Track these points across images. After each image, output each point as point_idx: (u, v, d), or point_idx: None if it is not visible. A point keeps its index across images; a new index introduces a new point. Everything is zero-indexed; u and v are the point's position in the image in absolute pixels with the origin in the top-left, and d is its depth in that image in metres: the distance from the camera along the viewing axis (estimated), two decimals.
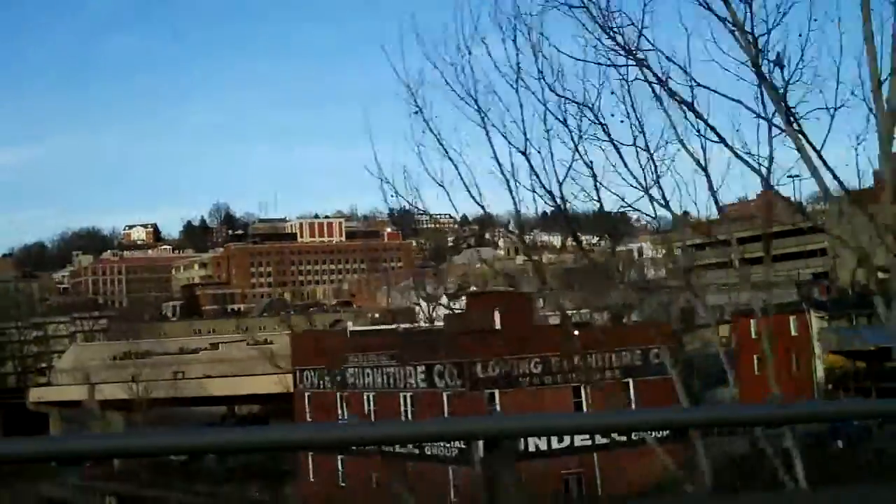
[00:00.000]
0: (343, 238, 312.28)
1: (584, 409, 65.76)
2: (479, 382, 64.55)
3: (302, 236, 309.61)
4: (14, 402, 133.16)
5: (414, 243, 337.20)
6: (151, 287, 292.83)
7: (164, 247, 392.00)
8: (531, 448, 64.59)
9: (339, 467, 75.53)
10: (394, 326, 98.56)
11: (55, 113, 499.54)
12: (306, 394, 79.77)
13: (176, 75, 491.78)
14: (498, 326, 65.57)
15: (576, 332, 67.30)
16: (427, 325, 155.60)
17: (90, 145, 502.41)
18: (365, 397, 73.36)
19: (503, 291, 73.99)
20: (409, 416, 69.14)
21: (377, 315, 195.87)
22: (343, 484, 75.27)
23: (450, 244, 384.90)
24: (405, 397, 69.82)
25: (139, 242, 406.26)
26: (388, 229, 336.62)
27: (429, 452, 67.08)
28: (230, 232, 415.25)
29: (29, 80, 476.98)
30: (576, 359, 66.17)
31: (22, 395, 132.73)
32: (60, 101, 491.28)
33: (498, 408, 64.54)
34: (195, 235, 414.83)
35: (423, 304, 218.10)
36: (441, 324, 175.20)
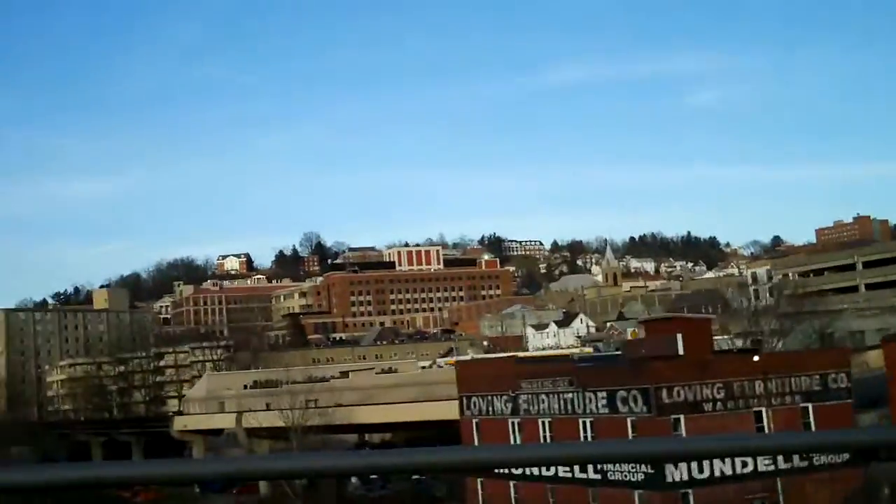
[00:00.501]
0: (440, 266, 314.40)
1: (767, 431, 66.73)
2: (665, 408, 65.57)
3: (400, 264, 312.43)
4: (154, 431, 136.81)
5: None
6: (253, 316, 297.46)
7: (259, 276, 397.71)
8: (716, 473, 65.76)
9: (512, 492, 76.96)
10: (549, 353, 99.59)
11: (145, 145, 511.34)
12: (474, 420, 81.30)
13: (258, 104, 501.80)
14: (681, 352, 66.51)
15: (755, 358, 68.32)
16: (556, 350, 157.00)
17: (183, 177, 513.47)
18: (540, 423, 74.69)
19: (683, 317, 74.90)
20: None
21: (486, 343, 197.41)
22: None
23: (542, 271, 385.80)
24: (584, 423, 71.01)
25: (233, 272, 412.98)
26: (486, 256, 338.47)
27: (612, 477, 68.31)
28: (324, 261, 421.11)
29: (121, 112, 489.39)
30: (757, 384, 67.32)
31: (162, 424, 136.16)
32: (151, 133, 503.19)
33: (683, 433, 65.52)
34: (287, 264, 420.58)
35: (531, 330, 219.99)
36: (560, 351, 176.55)
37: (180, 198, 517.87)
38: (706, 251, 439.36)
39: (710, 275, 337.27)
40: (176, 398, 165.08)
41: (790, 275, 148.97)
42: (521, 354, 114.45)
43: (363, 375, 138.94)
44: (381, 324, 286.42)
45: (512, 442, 75.25)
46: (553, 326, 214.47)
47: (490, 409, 79.78)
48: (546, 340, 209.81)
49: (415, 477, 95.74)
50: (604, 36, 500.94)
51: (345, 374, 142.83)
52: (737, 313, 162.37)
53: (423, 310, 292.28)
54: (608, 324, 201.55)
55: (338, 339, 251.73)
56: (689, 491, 65.60)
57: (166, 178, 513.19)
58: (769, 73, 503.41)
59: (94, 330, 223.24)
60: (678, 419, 66.05)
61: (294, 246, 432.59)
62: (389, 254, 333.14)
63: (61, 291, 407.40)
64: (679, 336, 66.51)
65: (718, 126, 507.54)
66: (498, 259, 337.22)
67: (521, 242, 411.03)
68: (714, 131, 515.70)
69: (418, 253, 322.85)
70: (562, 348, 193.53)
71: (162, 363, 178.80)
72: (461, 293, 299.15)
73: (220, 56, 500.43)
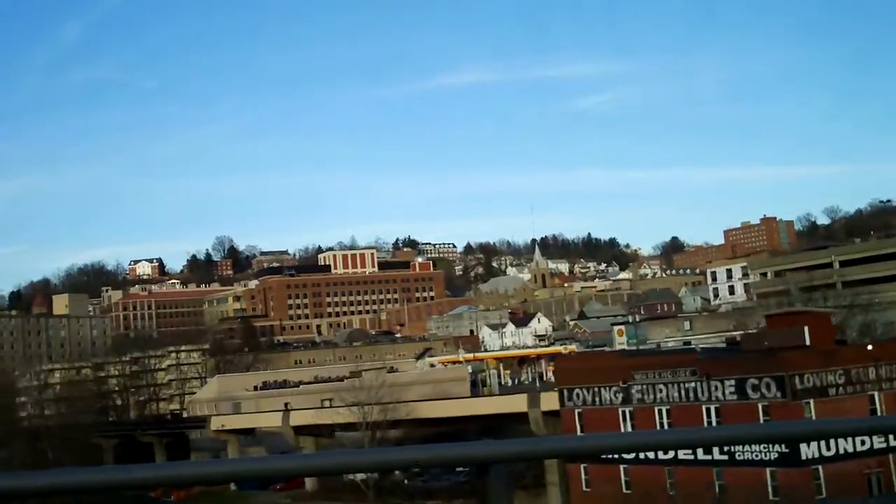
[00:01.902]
0: (375, 269, 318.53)
1: (879, 413, 74.39)
2: (797, 393, 72.56)
3: (336, 268, 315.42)
4: (174, 432, 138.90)
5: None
6: (185, 321, 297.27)
7: (173, 281, 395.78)
8: (840, 451, 72.97)
9: (623, 476, 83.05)
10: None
11: (42, 148, 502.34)
12: (576, 410, 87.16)
13: (157, 108, 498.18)
14: (808, 342, 73.63)
15: (869, 347, 76.10)
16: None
17: (87, 182, 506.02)
18: (656, 410, 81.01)
19: (805, 311, 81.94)
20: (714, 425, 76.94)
21: (460, 344, 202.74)
22: (628, 491, 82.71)
23: (458, 273, 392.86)
24: (709, 409, 77.58)
25: (145, 277, 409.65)
26: (420, 259, 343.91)
27: (741, 458, 74.98)
28: (237, 265, 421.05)
29: (25, 111, 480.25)
30: (870, 370, 74.93)
31: (186, 425, 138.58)
32: (47, 137, 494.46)
33: (813, 415, 72.67)
34: (201, 268, 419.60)
35: (487, 329, 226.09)
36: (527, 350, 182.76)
37: (85, 203, 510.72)
38: (607, 252, 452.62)
39: (624, 275, 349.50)
40: (169, 400, 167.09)
41: (768, 274, 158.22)
42: (621, 348, 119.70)
43: (377, 374, 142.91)
44: (318, 327, 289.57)
45: (622, 429, 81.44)
46: (511, 326, 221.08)
47: (597, 399, 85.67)
48: (504, 340, 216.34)
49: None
50: (499, 40, 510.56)
51: (356, 374, 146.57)
52: (713, 312, 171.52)
53: (359, 312, 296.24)
54: (572, 322, 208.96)
55: (281, 342, 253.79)
56: (819, 467, 72.74)
57: (69, 182, 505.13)
58: (658, 76, 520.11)
59: (55, 335, 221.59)
60: (808, 403, 73.11)
61: (207, 250, 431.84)
62: (324, 257, 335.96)
63: None
64: (806, 328, 73.54)
65: (611, 129, 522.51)
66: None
67: (434, 245, 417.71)
68: (607, 135, 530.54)
69: (353, 256, 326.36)
70: (526, 347, 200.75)
71: (156, 366, 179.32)
72: (395, 295, 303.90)
73: (114, 58, 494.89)
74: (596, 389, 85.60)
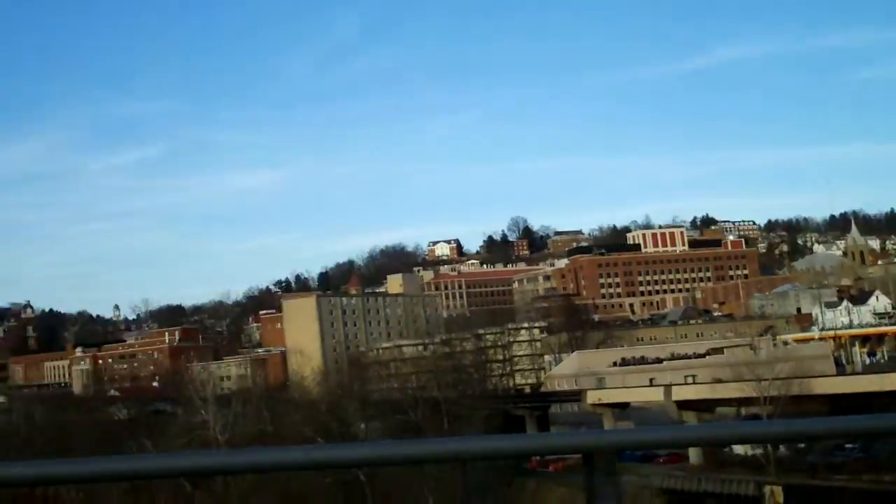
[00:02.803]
0: (685, 247, 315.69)
1: None
2: None
3: (645, 247, 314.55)
4: (541, 406, 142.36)
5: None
6: (493, 300, 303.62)
7: (472, 261, 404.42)
8: None
9: None
10: None
11: (335, 136, 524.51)
12: None
13: (430, 93, 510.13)
14: None
15: None
16: None
17: (393, 167, 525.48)
18: None
19: None
20: None
21: (787, 322, 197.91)
22: None
23: (761, 251, 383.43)
24: None
25: (443, 258, 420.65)
26: (731, 237, 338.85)
27: None
28: (532, 245, 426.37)
29: (292, 105, 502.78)
30: None
31: (546, 401, 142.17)
32: (336, 125, 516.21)
33: None
34: (497, 249, 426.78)
35: (820, 307, 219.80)
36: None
37: (384, 186, 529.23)
38: None
39: None
40: (524, 375, 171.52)
41: None
42: None
43: (743, 351, 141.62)
44: (630, 305, 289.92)
45: None
46: (845, 303, 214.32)
47: None
48: (842, 318, 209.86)
49: None
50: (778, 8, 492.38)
51: (717, 351, 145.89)
52: None
53: (670, 291, 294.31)
54: None
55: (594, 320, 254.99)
56: None
57: (365, 168, 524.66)
58: None
59: (392, 313, 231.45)
60: None
61: (503, 231, 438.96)
62: (633, 236, 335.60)
63: (281, 279, 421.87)
64: None
65: None
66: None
67: (734, 223, 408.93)
68: None
69: (662, 235, 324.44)
70: (870, 325, 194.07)
71: (504, 341, 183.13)
72: (708, 273, 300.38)
73: (385, 48, 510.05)
74: None
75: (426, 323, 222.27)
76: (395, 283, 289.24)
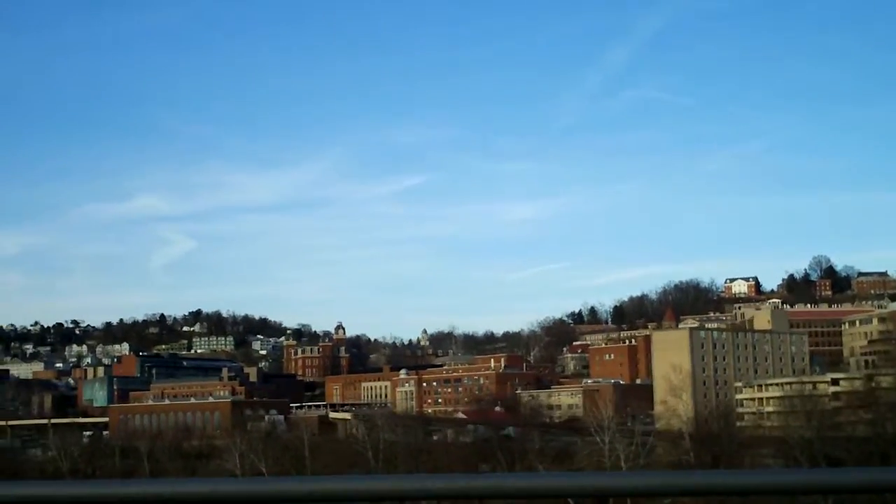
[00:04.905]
0: None
1: None
2: None
3: None
4: None
5: None
6: (817, 341, 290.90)
7: (773, 300, 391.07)
8: None
9: None
10: None
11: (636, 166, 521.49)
12: None
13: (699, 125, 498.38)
14: None
15: None
16: None
17: (672, 199, 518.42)
18: None
19: None
20: None
21: None
22: None
23: None
24: None
25: (740, 296, 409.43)
26: None
27: None
28: (835, 285, 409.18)
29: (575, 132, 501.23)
30: None
31: None
32: (641, 155, 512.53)
33: None
34: (798, 289, 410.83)
35: None
36: None
37: (662, 220, 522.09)
38: None
39: None
40: None
41: None
42: None
43: None
44: None
45: None
46: None
47: None
48: None
49: None
50: None
51: None
52: None
53: None
54: None
55: None
56: None
57: (644, 199, 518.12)
58: None
59: (759, 350, 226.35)
60: None
61: (805, 269, 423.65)
62: None
63: (576, 311, 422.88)
64: None
65: None
66: None
67: None
68: None
69: None
70: None
71: None
72: None
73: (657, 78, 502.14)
74: None
75: (791, 361, 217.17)
76: (762, 318, 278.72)
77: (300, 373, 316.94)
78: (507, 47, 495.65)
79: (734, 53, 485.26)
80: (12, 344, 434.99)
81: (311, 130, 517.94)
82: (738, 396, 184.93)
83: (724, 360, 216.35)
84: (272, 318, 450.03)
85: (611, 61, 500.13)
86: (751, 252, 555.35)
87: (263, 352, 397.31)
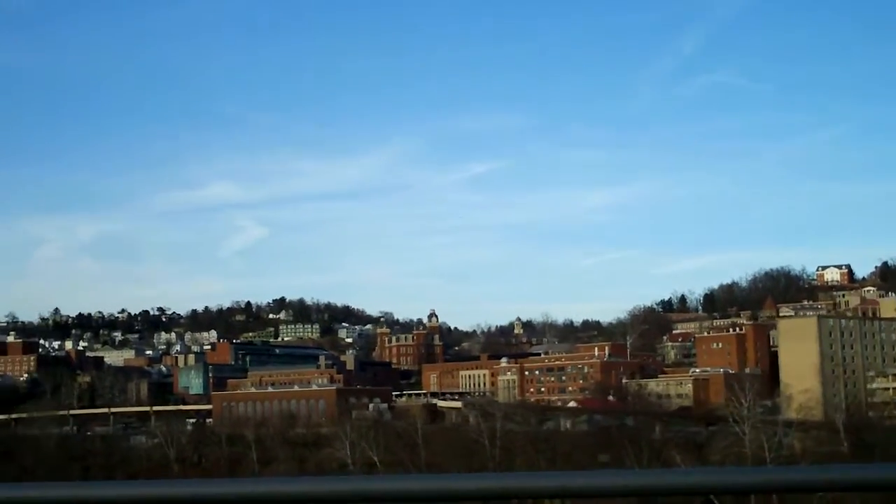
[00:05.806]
0: None
1: None
2: None
3: None
4: None
5: None
6: None
7: (867, 288, 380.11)
8: None
9: None
10: None
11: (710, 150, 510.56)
12: None
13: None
14: None
15: None
16: None
17: (755, 185, 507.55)
18: None
19: None
20: None
21: None
22: None
23: None
24: None
25: (832, 283, 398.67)
26: None
27: None
28: None
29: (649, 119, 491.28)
30: None
31: None
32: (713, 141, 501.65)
33: None
34: (891, 276, 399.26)
35: None
36: None
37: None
38: None
39: None
40: None
41: None
42: None
43: None
44: None
45: None
46: None
47: None
48: None
49: None
50: None
51: None
52: None
53: None
54: None
55: None
56: None
57: (727, 188, 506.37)
58: None
59: (888, 338, 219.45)
60: None
61: None
62: None
63: (665, 299, 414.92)
64: None
65: None
66: None
67: None
68: None
69: None
70: None
71: None
72: None
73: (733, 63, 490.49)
74: None
75: None
76: (890, 306, 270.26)
77: (394, 361, 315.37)
78: (578, 34, 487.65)
79: (813, 37, 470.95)
80: (101, 331, 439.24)
81: (378, 118, 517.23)
82: (871, 386, 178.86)
83: (851, 348, 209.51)
84: (354, 305, 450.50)
85: (683, 47, 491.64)
86: (841, 239, 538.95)
87: (349, 339, 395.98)
